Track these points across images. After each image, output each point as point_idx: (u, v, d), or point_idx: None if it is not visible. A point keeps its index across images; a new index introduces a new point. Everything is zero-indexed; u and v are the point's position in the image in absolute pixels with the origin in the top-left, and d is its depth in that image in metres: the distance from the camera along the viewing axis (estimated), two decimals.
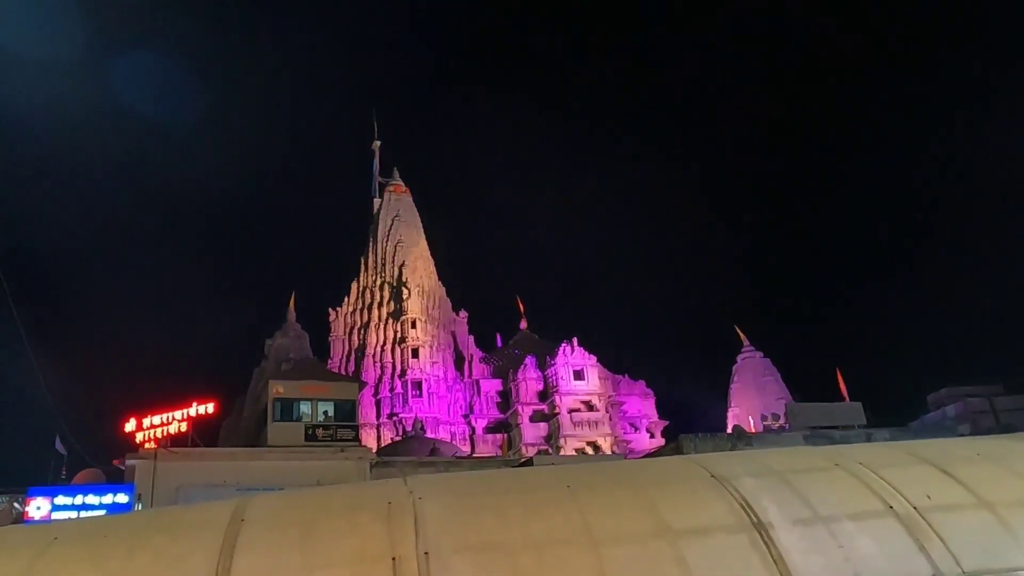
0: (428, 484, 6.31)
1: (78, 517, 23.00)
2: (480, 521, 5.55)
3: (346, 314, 63.33)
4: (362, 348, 60.27)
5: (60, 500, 25.42)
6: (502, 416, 56.84)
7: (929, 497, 5.91)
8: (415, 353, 57.62)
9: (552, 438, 53.07)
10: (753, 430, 41.89)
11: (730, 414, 53.86)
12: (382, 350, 59.27)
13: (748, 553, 5.38)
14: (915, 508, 5.82)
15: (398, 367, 57.76)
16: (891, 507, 5.85)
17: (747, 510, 5.75)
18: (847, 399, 45.86)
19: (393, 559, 5.06)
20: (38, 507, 25.16)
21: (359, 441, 31.38)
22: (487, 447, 54.91)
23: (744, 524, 5.61)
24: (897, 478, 6.18)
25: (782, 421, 40.07)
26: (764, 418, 40.86)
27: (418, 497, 5.73)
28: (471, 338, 63.17)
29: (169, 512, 7.48)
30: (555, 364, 54.42)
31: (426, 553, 5.11)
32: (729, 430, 47.78)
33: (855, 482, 6.18)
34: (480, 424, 56.99)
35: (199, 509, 6.32)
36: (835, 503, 5.90)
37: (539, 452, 48.64)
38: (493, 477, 8.84)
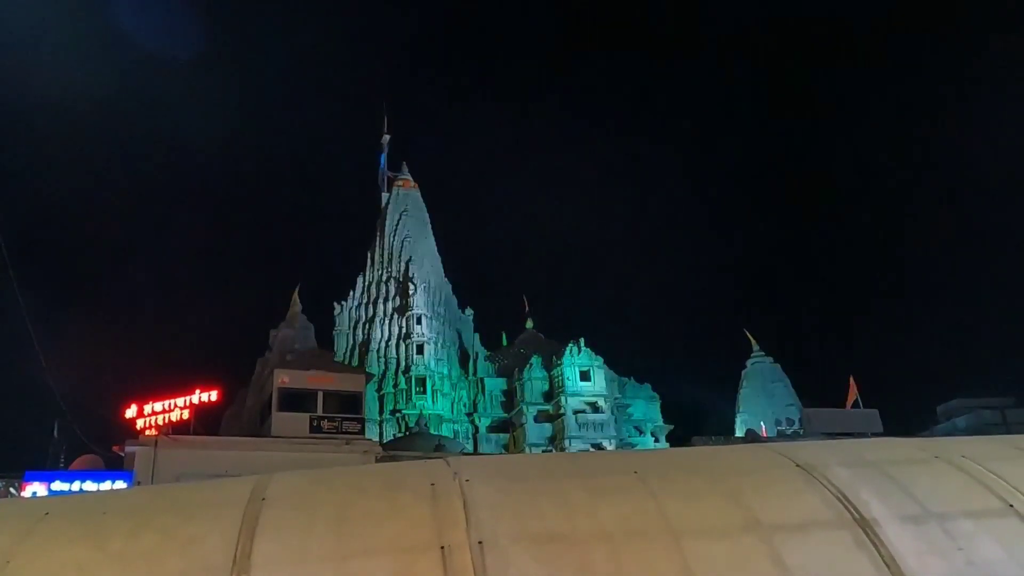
0: (473, 465, 5.55)
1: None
2: (539, 508, 4.77)
3: (351, 308, 62.64)
4: (367, 343, 59.55)
5: (57, 486, 24.78)
6: (506, 415, 56.10)
7: None
8: (420, 349, 56.92)
9: (556, 439, 52.33)
10: (765, 435, 41.08)
11: (739, 419, 53.03)
12: (387, 345, 58.57)
13: (854, 554, 4.60)
14: None
15: (402, 363, 57.04)
16: (1011, 505, 5.09)
17: (845, 504, 4.97)
18: (860, 407, 45.03)
19: (442, 548, 4.29)
20: (34, 492, 24.54)
21: (364, 434, 30.62)
22: (490, 446, 54.15)
23: (844, 520, 4.84)
24: (1011, 473, 5.40)
25: (796, 427, 39.30)
26: (778, 423, 40.05)
27: (465, 479, 4.97)
28: (476, 336, 62.47)
29: (176, 489, 6.73)
30: (561, 364, 53.69)
31: (480, 542, 4.34)
32: (738, 435, 47.01)
33: (963, 476, 5.41)
34: (484, 423, 56.29)
35: (212, 487, 5.56)
36: (946, 499, 5.12)
37: (544, 452, 47.85)
38: (546, 460, 8.09)
